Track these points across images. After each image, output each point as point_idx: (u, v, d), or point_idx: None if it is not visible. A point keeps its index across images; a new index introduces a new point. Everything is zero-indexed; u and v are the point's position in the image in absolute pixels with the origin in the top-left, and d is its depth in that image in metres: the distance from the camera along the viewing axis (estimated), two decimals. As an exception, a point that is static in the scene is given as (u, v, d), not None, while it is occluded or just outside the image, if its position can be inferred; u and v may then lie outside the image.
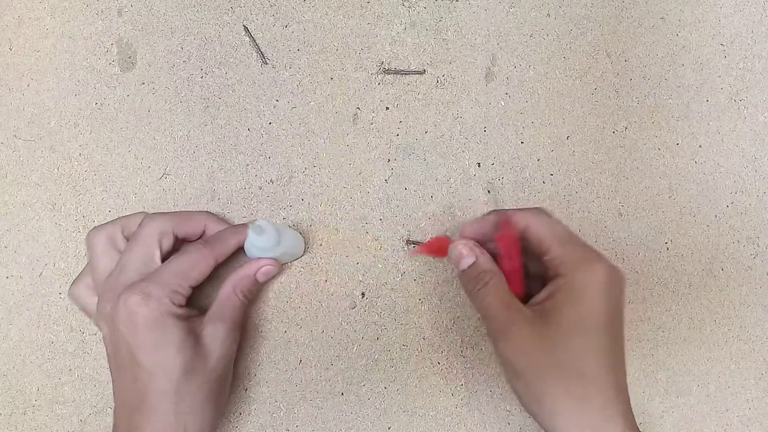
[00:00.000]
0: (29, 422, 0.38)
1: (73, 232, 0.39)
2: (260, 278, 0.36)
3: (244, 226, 0.36)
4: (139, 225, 0.34)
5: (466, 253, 0.34)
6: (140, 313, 0.30)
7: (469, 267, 0.34)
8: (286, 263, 0.39)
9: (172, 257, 0.33)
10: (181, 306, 0.32)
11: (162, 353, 0.30)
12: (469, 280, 0.34)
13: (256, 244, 0.33)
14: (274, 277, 0.38)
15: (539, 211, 0.34)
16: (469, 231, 0.35)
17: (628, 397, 0.30)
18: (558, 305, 0.31)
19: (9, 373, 0.38)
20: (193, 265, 0.33)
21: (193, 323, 0.33)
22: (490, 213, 0.36)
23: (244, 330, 0.39)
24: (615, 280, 0.31)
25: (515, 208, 0.38)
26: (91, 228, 0.34)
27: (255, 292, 0.37)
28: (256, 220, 0.33)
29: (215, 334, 0.33)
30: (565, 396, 0.29)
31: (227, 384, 0.35)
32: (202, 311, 0.35)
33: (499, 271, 0.33)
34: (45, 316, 0.39)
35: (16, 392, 0.38)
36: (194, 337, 0.32)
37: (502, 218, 0.34)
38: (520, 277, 0.33)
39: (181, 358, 0.30)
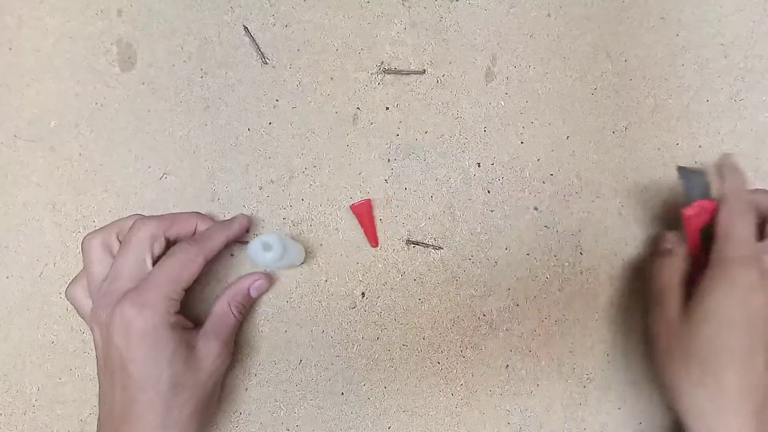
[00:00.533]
0: (29, 422, 0.38)
1: (73, 232, 0.39)
2: (253, 294, 0.37)
3: (231, 221, 0.37)
4: (130, 229, 0.34)
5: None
6: (135, 325, 0.30)
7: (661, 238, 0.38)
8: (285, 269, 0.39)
9: (161, 260, 0.33)
10: (176, 312, 0.32)
11: (153, 365, 0.31)
12: (656, 246, 0.38)
13: (262, 259, 0.33)
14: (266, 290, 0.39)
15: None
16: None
17: (760, 398, 0.31)
18: (700, 300, 0.33)
19: (9, 373, 0.38)
20: (183, 267, 0.33)
21: (188, 335, 0.33)
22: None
23: (244, 330, 0.39)
24: (748, 284, 0.32)
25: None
26: (87, 233, 0.34)
27: (249, 308, 0.38)
28: (262, 234, 0.33)
29: (208, 350, 0.33)
30: (692, 384, 0.32)
31: (214, 400, 0.35)
32: (195, 321, 0.35)
33: (683, 251, 0.36)
34: (45, 316, 0.39)
35: (16, 392, 0.38)
36: (186, 350, 0.32)
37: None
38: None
39: (171, 370, 0.31)
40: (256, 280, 0.37)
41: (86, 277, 0.34)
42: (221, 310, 0.35)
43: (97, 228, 0.35)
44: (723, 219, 0.34)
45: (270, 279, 0.38)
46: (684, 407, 0.33)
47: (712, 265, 0.33)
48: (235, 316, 0.36)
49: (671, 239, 0.37)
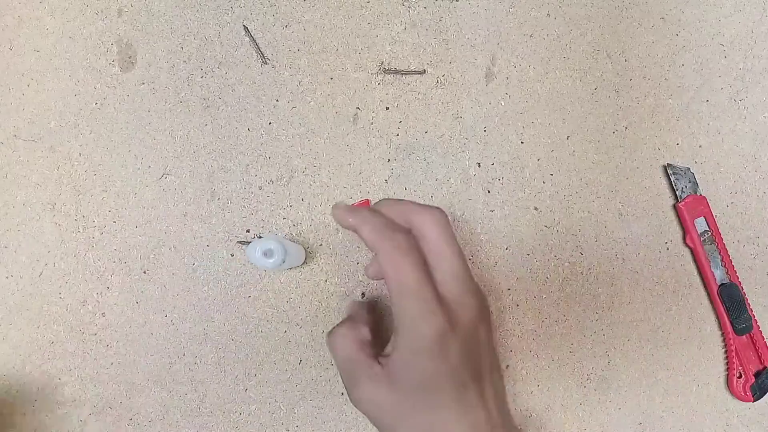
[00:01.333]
0: (29, 422, 0.38)
1: (73, 232, 0.39)
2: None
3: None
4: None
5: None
6: None
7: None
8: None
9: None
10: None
11: None
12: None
13: (263, 264, 0.33)
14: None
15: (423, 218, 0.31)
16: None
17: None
18: (396, 364, 0.30)
19: (9, 373, 0.38)
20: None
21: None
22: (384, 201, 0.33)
23: (244, 330, 0.39)
24: (444, 333, 0.29)
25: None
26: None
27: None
28: (262, 236, 0.32)
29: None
30: None
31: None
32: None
33: (354, 317, 0.34)
34: (45, 316, 0.39)
35: (16, 392, 0.38)
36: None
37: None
38: None
39: None
40: None
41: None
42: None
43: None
44: (385, 270, 0.29)
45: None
46: None
47: (396, 328, 0.30)
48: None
49: (352, 307, 0.36)
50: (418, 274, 0.29)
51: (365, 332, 0.33)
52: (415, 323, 0.28)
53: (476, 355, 0.30)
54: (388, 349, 0.31)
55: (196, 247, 0.39)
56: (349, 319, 0.34)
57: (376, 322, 0.35)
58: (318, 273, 0.39)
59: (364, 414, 0.31)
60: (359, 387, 0.30)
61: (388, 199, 0.34)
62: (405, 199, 0.34)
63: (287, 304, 0.39)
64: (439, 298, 0.29)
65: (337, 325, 0.34)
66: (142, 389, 0.38)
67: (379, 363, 0.30)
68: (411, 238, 0.30)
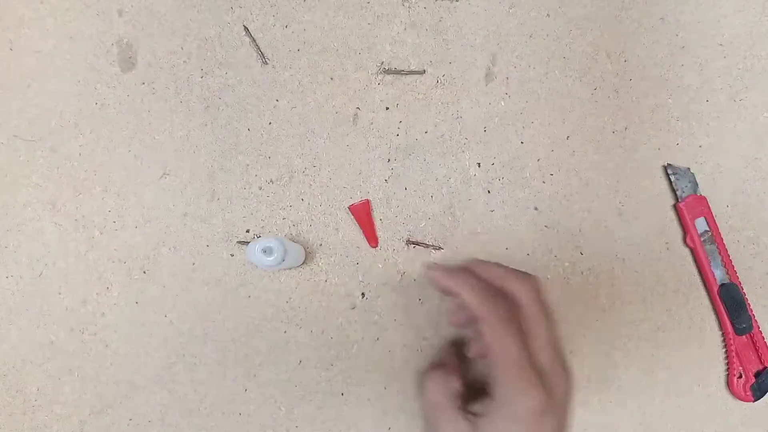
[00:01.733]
0: (29, 422, 0.38)
1: (73, 232, 0.39)
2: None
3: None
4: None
5: None
6: None
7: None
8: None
9: None
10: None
11: None
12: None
13: (263, 263, 0.33)
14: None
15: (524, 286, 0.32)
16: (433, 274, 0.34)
17: None
18: (488, 429, 0.30)
19: (9, 373, 0.38)
20: None
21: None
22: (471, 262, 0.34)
23: (244, 330, 0.39)
24: (543, 407, 0.29)
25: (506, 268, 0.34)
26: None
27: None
28: (262, 236, 0.33)
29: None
30: None
31: None
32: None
33: (448, 364, 0.34)
34: (45, 316, 0.39)
35: (16, 392, 0.38)
36: None
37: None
38: None
39: None
40: None
41: None
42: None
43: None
44: (488, 340, 0.30)
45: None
46: None
47: (494, 395, 0.30)
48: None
49: (444, 348, 0.36)
50: (520, 346, 0.29)
51: (457, 384, 0.33)
52: (516, 394, 0.29)
53: (564, 428, 0.31)
54: (478, 408, 0.31)
55: (196, 247, 0.39)
56: (443, 366, 0.34)
57: (465, 369, 0.35)
58: (318, 273, 0.39)
59: None
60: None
61: (478, 259, 0.35)
62: (495, 262, 0.34)
63: (287, 304, 0.39)
64: (539, 370, 0.29)
65: (431, 367, 0.34)
66: (142, 389, 0.38)
67: (466, 418, 0.31)
68: (513, 307, 0.31)
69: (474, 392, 0.33)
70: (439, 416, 0.32)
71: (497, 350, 0.29)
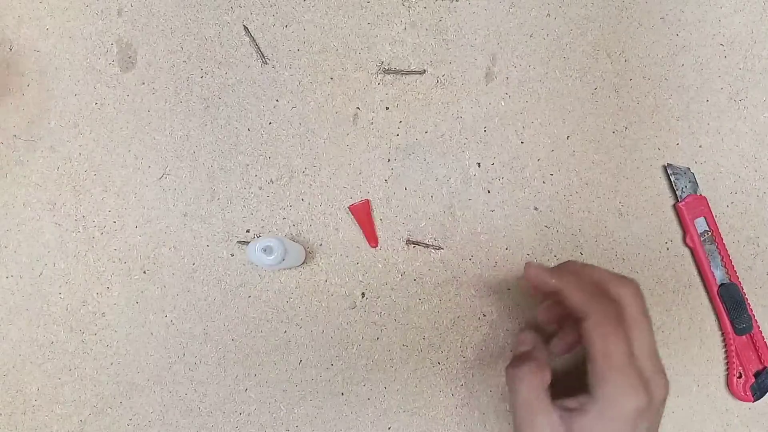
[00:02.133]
0: (29, 422, 0.38)
1: (73, 232, 0.39)
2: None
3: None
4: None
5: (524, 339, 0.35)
6: None
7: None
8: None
9: None
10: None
11: None
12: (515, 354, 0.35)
13: (263, 262, 0.33)
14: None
15: (623, 286, 0.31)
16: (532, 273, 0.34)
17: None
18: (585, 426, 0.30)
19: (9, 373, 0.38)
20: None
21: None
22: (565, 264, 0.34)
23: (245, 330, 0.39)
24: (642, 410, 0.29)
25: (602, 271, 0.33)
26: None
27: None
28: (262, 236, 0.33)
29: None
30: None
31: None
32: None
33: (538, 357, 0.34)
34: (45, 316, 0.39)
35: (16, 392, 0.38)
36: None
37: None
38: None
39: None
40: None
41: None
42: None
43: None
44: (591, 337, 0.30)
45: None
46: None
47: (595, 393, 0.30)
48: None
49: (527, 340, 0.36)
50: (625, 347, 0.29)
51: (548, 377, 0.33)
52: (618, 395, 0.29)
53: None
54: (572, 403, 0.31)
55: (196, 247, 0.39)
56: (533, 359, 0.34)
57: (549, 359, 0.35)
58: (318, 273, 0.39)
59: None
60: (535, 430, 0.31)
61: (575, 261, 0.35)
62: (595, 265, 0.34)
63: (287, 304, 0.39)
64: (641, 374, 0.29)
65: (520, 360, 0.34)
66: (142, 389, 0.38)
67: (560, 413, 0.31)
68: (619, 309, 0.31)
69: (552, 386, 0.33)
70: (533, 410, 0.32)
71: (604, 350, 0.29)
